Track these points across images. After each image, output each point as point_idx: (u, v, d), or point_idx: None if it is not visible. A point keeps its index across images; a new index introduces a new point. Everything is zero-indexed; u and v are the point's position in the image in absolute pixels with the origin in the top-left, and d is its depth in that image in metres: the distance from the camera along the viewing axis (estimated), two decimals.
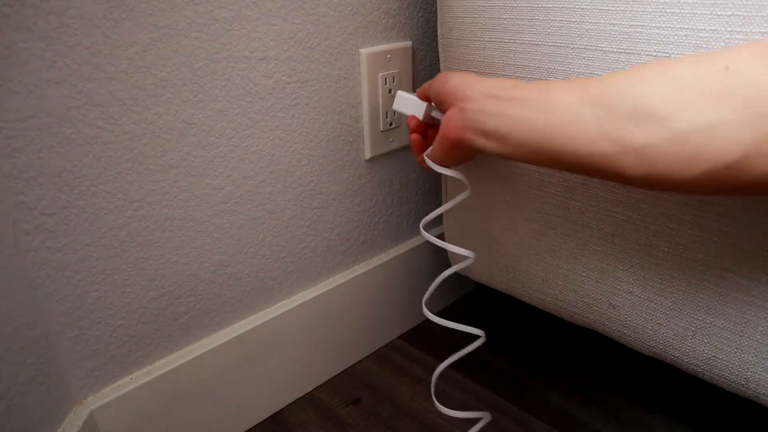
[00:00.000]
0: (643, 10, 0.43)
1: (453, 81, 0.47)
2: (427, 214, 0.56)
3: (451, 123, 0.46)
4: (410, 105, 0.57)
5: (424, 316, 0.85)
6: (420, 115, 0.56)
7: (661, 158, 0.34)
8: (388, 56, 0.66)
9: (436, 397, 0.57)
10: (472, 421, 0.65)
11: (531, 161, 0.42)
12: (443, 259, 0.81)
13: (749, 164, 0.31)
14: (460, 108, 0.46)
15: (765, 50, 0.32)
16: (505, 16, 0.53)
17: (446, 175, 0.68)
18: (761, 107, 0.31)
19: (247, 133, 0.57)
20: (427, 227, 0.56)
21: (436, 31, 0.67)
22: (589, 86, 0.38)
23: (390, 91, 0.67)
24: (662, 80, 0.34)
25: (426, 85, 0.53)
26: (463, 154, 0.50)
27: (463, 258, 0.53)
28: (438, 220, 0.82)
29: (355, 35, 0.64)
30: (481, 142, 0.44)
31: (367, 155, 0.69)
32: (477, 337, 0.56)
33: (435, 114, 0.56)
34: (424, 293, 0.80)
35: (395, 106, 0.59)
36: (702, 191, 0.35)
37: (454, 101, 0.47)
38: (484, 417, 0.57)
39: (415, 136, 0.56)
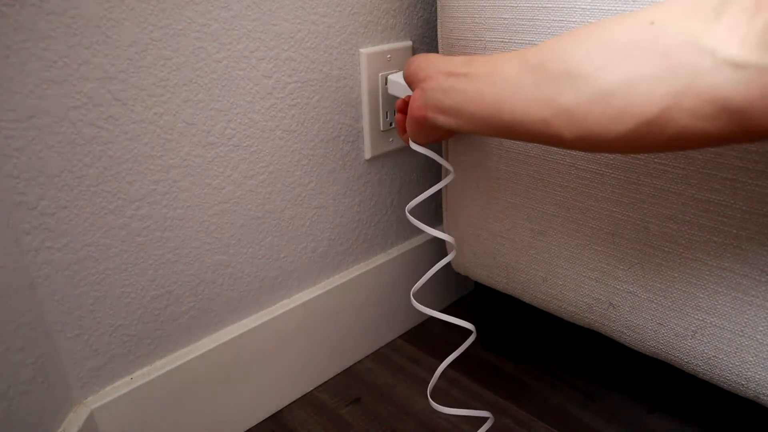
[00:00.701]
0: None
1: (416, 62, 0.49)
2: (428, 213, 0.57)
3: (414, 103, 0.48)
4: (400, 88, 0.62)
5: (425, 315, 0.85)
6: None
7: (590, 118, 0.34)
8: (388, 56, 0.66)
9: (436, 397, 0.57)
10: (473, 421, 0.65)
11: (486, 133, 0.44)
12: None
13: (670, 119, 0.31)
14: (421, 88, 0.47)
15: (694, 4, 0.31)
16: (505, 16, 0.53)
17: (445, 171, 0.68)
18: (679, 60, 0.30)
19: (247, 133, 0.57)
20: (424, 221, 0.56)
21: (436, 31, 0.67)
22: (528, 54, 0.38)
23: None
24: (590, 40, 0.35)
25: None
26: (433, 131, 0.52)
27: (465, 256, 0.53)
28: (439, 219, 0.82)
29: (355, 35, 0.64)
30: (440, 119, 0.46)
31: (367, 155, 0.69)
32: (480, 336, 0.56)
33: None
34: (425, 293, 0.80)
35: (390, 91, 0.64)
36: (634, 150, 0.35)
37: (417, 82, 0.48)
38: (489, 418, 0.57)
39: (399, 116, 0.58)
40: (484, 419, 0.58)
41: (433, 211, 0.82)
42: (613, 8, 0.45)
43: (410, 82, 0.51)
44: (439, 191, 0.80)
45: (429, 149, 0.54)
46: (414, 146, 0.54)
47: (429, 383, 0.58)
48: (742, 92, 0.29)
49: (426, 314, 0.78)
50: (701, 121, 0.31)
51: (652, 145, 0.34)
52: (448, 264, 0.73)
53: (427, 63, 0.48)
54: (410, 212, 0.58)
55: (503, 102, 0.39)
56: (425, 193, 0.55)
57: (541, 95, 0.37)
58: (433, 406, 0.56)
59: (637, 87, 0.32)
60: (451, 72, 0.44)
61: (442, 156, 0.68)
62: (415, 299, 0.57)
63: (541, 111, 0.37)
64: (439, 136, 0.55)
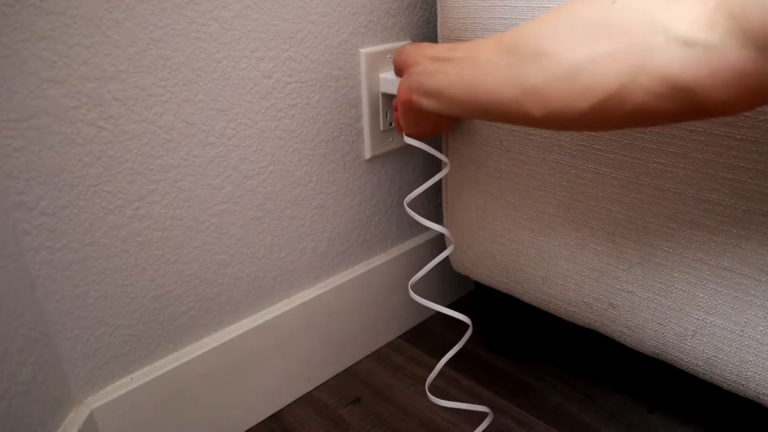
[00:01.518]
0: None
1: (405, 51, 0.51)
2: (427, 213, 0.57)
3: (400, 87, 0.50)
4: (392, 84, 0.63)
5: (425, 315, 0.85)
6: None
7: (556, 95, 0.35)
8: (389, 56, 0.66)
9: (436, 396, 0.57)
10: (473, 420, 0.65)
11: (465, 115, 0.45)
12: (443, 258, 0.81)
13: (627, 96, 0.32)
14: (408, 73, 0.49)
15: None
16: (505, 16, 0.53)
17: (443, 165, 0.68)
18: (636, 37, 0.31)
19: (247, 133, 0.57)
20: (423, 216, 0.56)
21: (436, 31, 0.67)
22: (504, 37, 0.40)
23: None
24: (557, 20, 0.36)
25: None
26: (423, 119, 0.53)
27: (465, 256, 0.53)
28: (439, 219, 0.82)
29: (355, 35, 0.64)
30: (424, 102, 0.47)
31: (367, 155, 0.69)
32: (480, 336, 0.56)
33: None
34: (425, 292, 0.79)
35: (382, 89, 0.65)
36: (598, 126, 0.36)
37: (405, 69, 0.50)
38: (489, 414, 0.57)
39: (396, 115, 0.58)
40: (483, 416, 0.58)
41: (432, 211, 0.82)
42: None
43: (398, 69, 0.52)
44: (440, 192, 0.80)
45: (424, 143, 0.54)
46: (407, 140, 0.55)
47: (427, 382, 0.58)
48: (689, 70, 0.29)
49: (425, 314, 0.78)
50: (655, 99, 0.31)
51: (614, 122, 0.35)
52: (448, 264, 0.73)
53: (415, 50, 0.49)
54: (408, 207, 0.58)
55: (480, 83, 0.41)
56: (423, 185, 0.55)
57: (512, 75, 0.38)
58: (432, 400, 0.56)
59: (598, 64, 0.33)
60: (436, 57, 0.46)
61: (442, 151, 0.68)
62: (414, 294, 0.57)
63: (512, 90, 0.38)
64: (429, 126, 0.56)
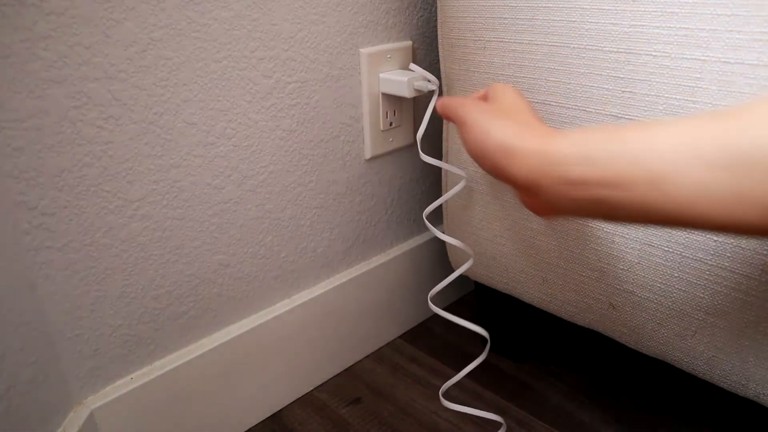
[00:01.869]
0: (643, 9, 0.43)
1: (497, 143, 0.38)
2: (427, 213, 0.57)
3: (537, 211, 0.41)
4: (395, 86, 0.64)
5: (425, 315, 0.85)
6: (407, 94, 0.62)
7: None
8: (389, 56, 0.66)
9: (436, 397, 0.57)
10: (474, 421, 0.65)
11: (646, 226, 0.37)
12: (443, 258, 0.81)
13: None
14: (537, 200, 0.38)
15: None
16: (505, 16, 0.53)
17: (446, 172, 0.68)
18: None
19: (247, 133, 0.57)
20: (431, 224, 0.57)
21: (436, 31, 0.67)
22: (703, 145, 0.30)
23: None
24: None
25: (476, 101, 0.45)
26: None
27: (465, 256, 0.53)
28: (439, 219, 0.82)
29: (355, 35, 0.64)
30: (581, 219, 0.40)
31: (367, 155, 0.69)
32: (479, 336, 0.56)
33: (419, 85, 0.61)
34: (425, 292, 0.79)
35: (382, 89, 0.66)
36: None
37: (517, 186, 0.38)
38: (503, 425, 0.58)
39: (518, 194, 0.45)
40: (496, 425, 0.58)
41: (433, 211, 0.82)
42: (613, 8, 0.45)
43: (487, 162, 0.40)
44: (439, 191, 0.80)
45: (442, 162, 0.56)
46: (424, 157, 0.55)
47: (430, 382, 0.58)
48: None
49: (426, 314, 0.78)
50: None
51: None
52: (449, 264, 0.73)
53: (514, 151, 0.37)
54: (416, 216, 0.59)
55: (680, 211, 0.31)
56: (441, 198, 0.57)
57: (751, 196, 0.29)
58: (445, 404, 0.56)
59: None
60: (575, 181, 0.34)
61: (442, 156, 0.68)
62: (433, 306, 0.58)
63: (751, 214, 0.30)
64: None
